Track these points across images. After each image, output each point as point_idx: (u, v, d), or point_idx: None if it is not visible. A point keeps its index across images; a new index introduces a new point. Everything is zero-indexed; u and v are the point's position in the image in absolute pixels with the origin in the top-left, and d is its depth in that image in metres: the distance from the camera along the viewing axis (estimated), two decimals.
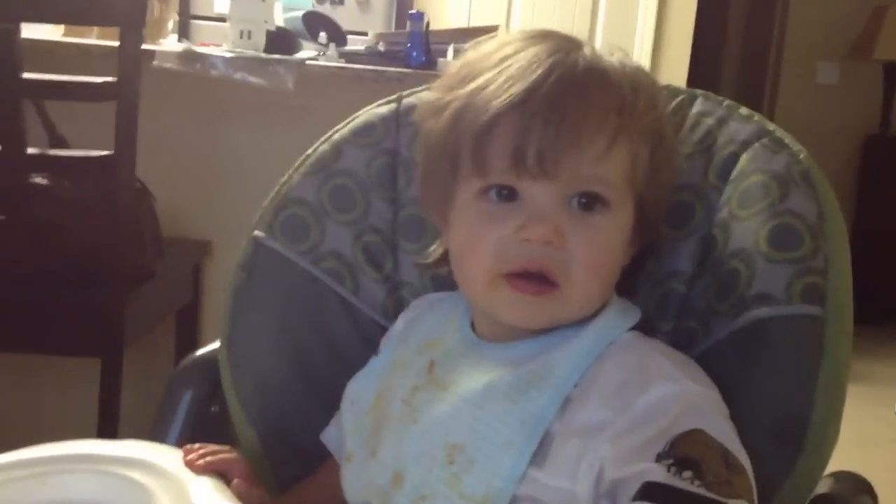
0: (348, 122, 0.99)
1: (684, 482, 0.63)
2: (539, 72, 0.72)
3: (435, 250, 0.89)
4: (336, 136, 0.98)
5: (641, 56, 3.40)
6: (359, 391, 0.86)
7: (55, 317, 1.62)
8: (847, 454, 2.93)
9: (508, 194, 0.73)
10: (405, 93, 1.01)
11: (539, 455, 0.69)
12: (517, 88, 0.71)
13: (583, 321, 0.75)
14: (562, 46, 0.75)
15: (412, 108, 0.98)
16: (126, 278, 1.62)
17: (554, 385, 0.71)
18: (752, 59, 5.36)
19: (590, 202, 0.73)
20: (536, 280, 0.72)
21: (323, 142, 0.98)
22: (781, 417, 0.75)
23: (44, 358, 1.87)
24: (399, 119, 0.98)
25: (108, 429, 1.62)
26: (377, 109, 1.00)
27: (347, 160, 0.96)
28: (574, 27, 3.37)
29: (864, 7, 4.53)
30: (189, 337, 2.09)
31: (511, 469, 0.69)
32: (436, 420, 0.75)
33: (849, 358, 0.77)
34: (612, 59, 0.76)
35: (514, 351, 0.76)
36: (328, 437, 0.91)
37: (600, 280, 0.74)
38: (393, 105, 1.00)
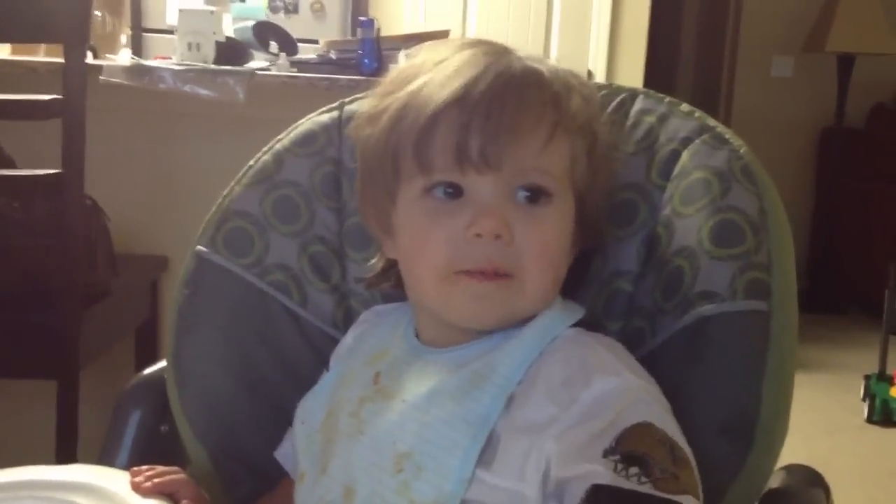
0: (290, 132, 0.98)
1: (631, 481, 0.63)
2: (476, 70, 0.72)
3: (375, 264, 0.88)
4: (278, 147, 0.97)
5: (597, 54, 3.41)
6: (310, 410, 0.85)
7: (7, 339, 1.59)
8: (816, 441, 2.97)
9: (454, 192, 0.73)
10: (347, 100, 1.00)
11: (486, 455, 0.68)
12: (456, 84, 0.72)
13: (525, 320, 0.75)
14: (496, 50, 0.76)
15: (353, 115, 0.97)
16: (79, 298, 1.60)
17: (497, 384, 0.71)
18: (707, 56, 5.41)
19: (534, 195, 0.73)
20: (490, 274, 0.72)
21: (265, 152, 0.97)
22: (729, 415, 0.75)
23: None
24: (341, 127, 0.97)
25: (66, 451, 1.59)
26: (319, 118, 0.99)
27: (290, 170, 0.95)
28: (529, 29, 3.38)
29: (816, 0, 4.57)
30: (149, 354, 2.06)
31: (459, 471, 0.68)
32: (383, 430, 0.74)
33: (794, 352, 0.77)
34: (544, 63, 0.77)
35: (457, 354, 0.75)
36: (283, 454, 0.89)
37: (551, 271, 0.74)
38: (335, 113, 0.99)
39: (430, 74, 0.74)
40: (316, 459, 0.80)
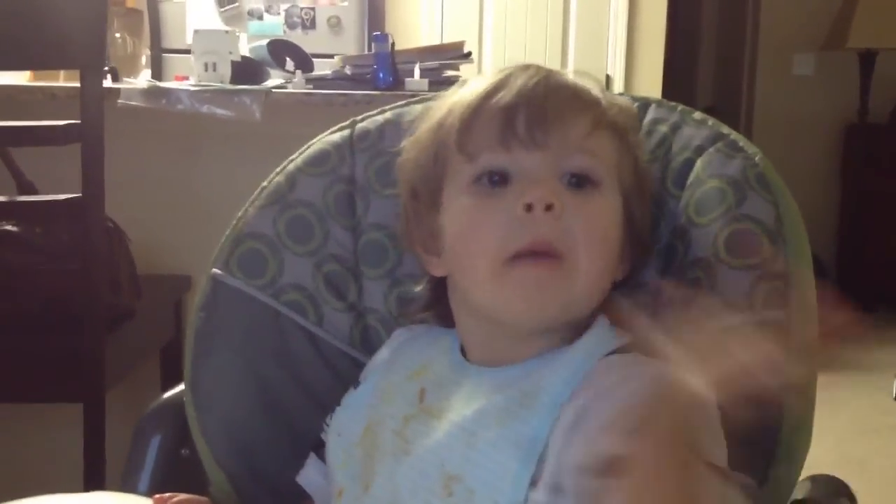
0: (302, 152, 0.98)
1: None
2: (512, 70, 0.77)
3: (419, 293, 0.88)
4: (290, 167, 0.97)
5: (615, 60, 3.40)
6: (346, 423, 0.84)
7: (33, 364, 1.60)
8: (848, 443, 2.95)
9: (500, 179, 0.73)
10: (358, 118, 1.00)
11: (536, 475, 0.67)
12: (495, 78, 0.76)
13: (572, 334, 0.73)
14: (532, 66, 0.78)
15: (366, 133, 0.97)
16: (103, 320, 1.61)
17: (545, 403, 0.69)
18: (727, 55, 5.38)
19: (580, 181, 0.73)
20: (544, 257, 0.71)
21: (277, 173, 0.97)
22: (751, 428, 0.73)
23: (25, 406, 1.86)
24: (353, 145, 0.97)
25: (94, 473, 1.60)
26: (330, 137, 0.99)
27: (303, 190, 0.95)
28: (546, 37, 3.37)
29: None
30: (174, 374, 2.07)
31: (512, 495, 0.67)
32: (429, 450, 0.73)
33: (815, 362, 0.76)
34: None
35: (504, 374, 0.74)
36: (306, 479, 0.88)
37: (602, 257, 0.73)
38: (346, 132, 0.99)
39: (470, 87, 0.78)
40: (356, 476, 0.79)
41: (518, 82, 0.74)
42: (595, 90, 0.77)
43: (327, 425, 0.85)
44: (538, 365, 0.73)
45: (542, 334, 0.74)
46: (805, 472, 0.79)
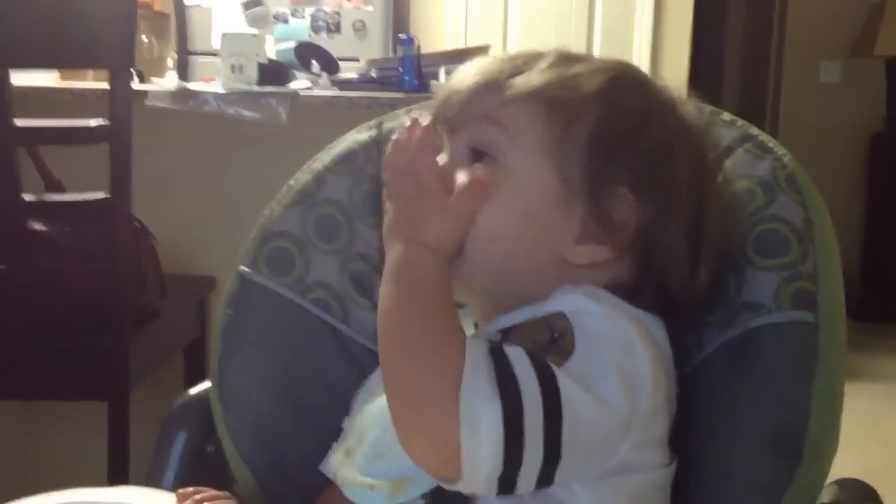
0: (328, 151, 0.98)
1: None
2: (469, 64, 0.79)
3: None
4: (317, 166, 0.97)
5: (640, 62, 3.40)
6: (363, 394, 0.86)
7: (59, 362, 1.62)
8: (872, 454, 2.91)
9: None
10: (385, 117, 1.00)
11: None
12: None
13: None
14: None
15: (392, 132, 0.98)
16: (129, 320, 1.62)
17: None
18: (753, 61, 5.36)
19: (479, 155, 0.74)
20: None
21: (304, 172, 0.97)
22: (778, 428, 0.73)
23: (51, 403, 1.87)
24: (380, 144, 0.97)
25: (118, 471, 1.61)
26: (357, 136, 0.99)
27: (329, 189, 0.96)
28: (571, 39, 3.36)
29: (863, 4, 4.51)
30: (198, 373, 2.08)
31: None
32: None
33: (844, 363, 0.75)
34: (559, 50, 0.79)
35: (484, 330, 0.76)
36: (328, 466, 0.89)
37: (483, 226, 0.72)
38: (373, 131, 0.99)
39: None
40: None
41: (457, 72, 0.78)
42: (536, 58, 0.76)
43: (348, 416, 0.86)
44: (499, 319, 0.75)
45: (510, 307, 0.74)
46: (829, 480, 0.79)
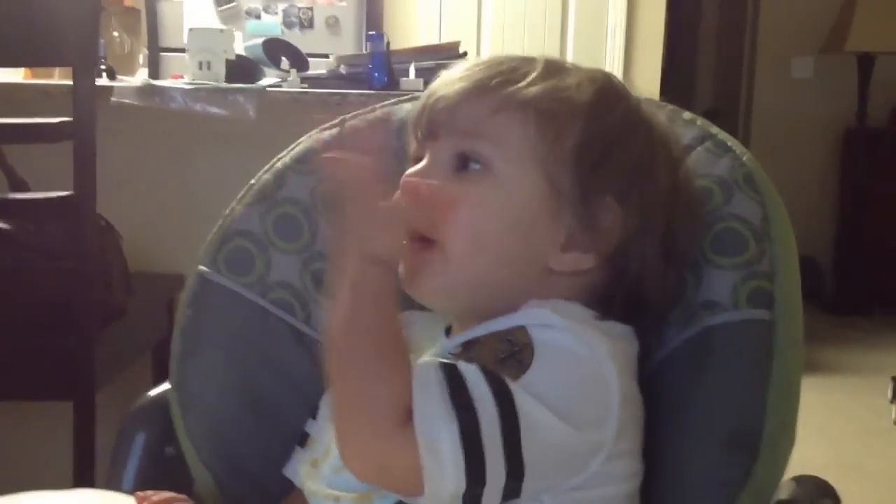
0: (290, 150, 0.98)
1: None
2: (451, 70, 0.78)
3: None
4: (279, 165, 0.97)
5: (613, 64, 3.39)
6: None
7: (23, 361, 1.60)
8: (844, 445, 2.93)
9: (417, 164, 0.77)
10: (348, 116, 0.99)
11: None
12: (437, 78, 0.79)
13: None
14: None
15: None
16: (95, 318, 1.60)
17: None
18: (726, 58, 5.38)
19: (462, 162, 0.74)
20: (417, 241, 0.74)
21: (265, 171, 0.97)
22: (734, 426, 0.73)
23: (16, 403, 1.85)
24: (343, 143, 0.96)
25: (84, 472, 1.59)
26: (320, 135, 0.98)
27: (290, 188, 0.95)
28: (545, 37, 3.36)
29: (834, 0, 4.53)
30: (166, 373, 2.06)
31: None
32: None
33: (800, 362, 0.75)
34: (537, 57, 0.78)
35: (452, 342, 0.76)
36: (292, 471, 0.88)
37: (474, 238, 0.73)
38: (336, 130, 0.98)
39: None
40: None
41: (440, 79, 0.78)
42: (522, 67, 0.76)
43: (313, 419, 0.85)
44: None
45: (481, 316, 0.74)
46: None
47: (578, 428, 0.65)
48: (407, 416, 0.63)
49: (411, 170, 0.76)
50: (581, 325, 0.69)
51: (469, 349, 0.69)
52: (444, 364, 0.66)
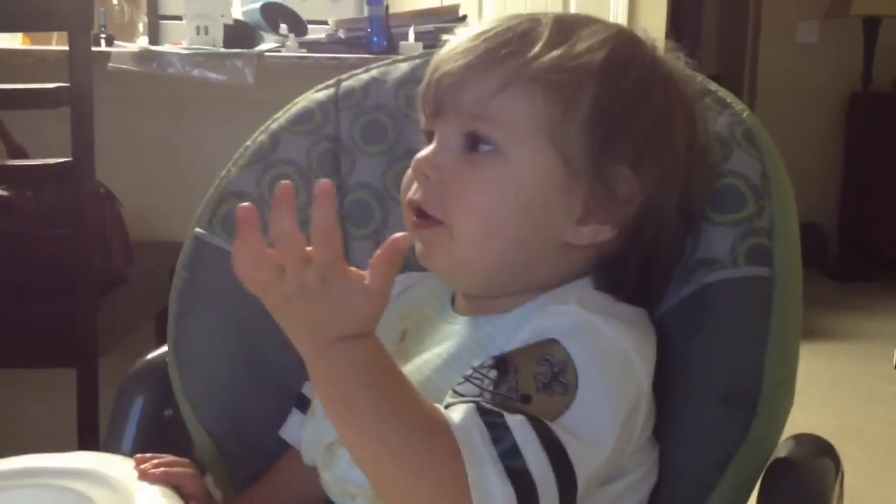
0: (286, 111, 0.97)
1: (475, 383, 0.63)
2: (454, 41, 0.74)
3: None
4: (274, 126, 0.96)
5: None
6: None
7: (25, 329, 1.60)
8: (848, 411, 2.93)
9: (428, 139, 0.75)
10: (344, 76, 0.99)
11: None
12: (441, 49, 0.76)
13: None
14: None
15: (351, 91, 0.96)
16: (95, 286, 1.60)
17: (492, 353, 0.68)
18: (731, 22, 5.33)
19: (473, 142, 0.72)
20: (423, 216, 0.73)
21: (261, 132, 0.96)
22: (732, 383, 0.73)
23: (19, 370, 1.86)
24: (338, 103, 0.96)
25: (88, 438, 1.60)
26: (315, 95, 0.97)
27: (286, 149, 0.94)
28: None
29: None
30: None
31: None
32: None
33: (799, 319, 0.75)
34: (559, 16, 0.75)
35: (472, 322, 0.75)
36: (289, 432, 0.89)
37: (481, 219, 0.71)
38: (331, 90, 0.97)
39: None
40: None
41: (445, 49, 0.75)
42: (531, 34, 0.73)
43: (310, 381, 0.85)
44: (496, 318, 0.74)
45: (506, 294, 0.74)
46: None
47: (626, 441, 0.66)
48: (463, 491, 0.58)
49: (422, 152, 0.74)
50: (608, 323, 0.67)
51: (504, 370, 0.64)
52: (483, 409, 0.61)
